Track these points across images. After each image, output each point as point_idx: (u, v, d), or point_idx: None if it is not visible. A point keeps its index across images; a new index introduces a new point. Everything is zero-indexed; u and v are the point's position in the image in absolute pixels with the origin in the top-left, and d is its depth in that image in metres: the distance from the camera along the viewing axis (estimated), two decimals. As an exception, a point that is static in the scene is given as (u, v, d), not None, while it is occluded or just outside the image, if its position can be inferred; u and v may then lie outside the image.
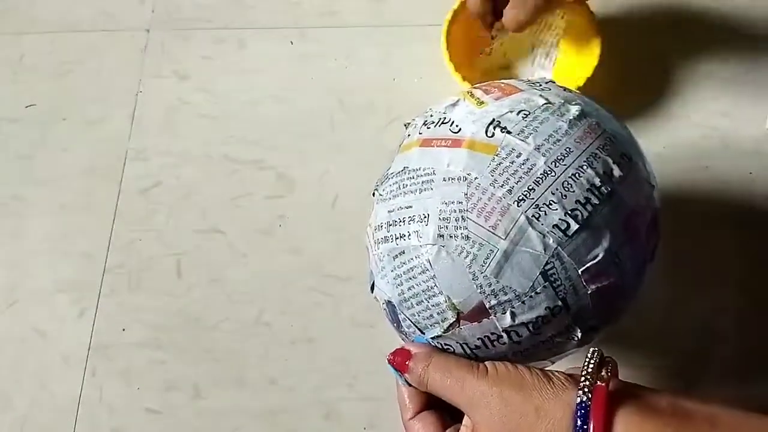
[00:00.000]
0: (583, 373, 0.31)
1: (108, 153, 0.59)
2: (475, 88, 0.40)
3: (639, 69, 0.58)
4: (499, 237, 0.34)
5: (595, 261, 0.34)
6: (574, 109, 0.37)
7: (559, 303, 0.35)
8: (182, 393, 0.51)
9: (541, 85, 0.39)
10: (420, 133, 0.39)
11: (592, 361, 0.32)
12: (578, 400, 0.30)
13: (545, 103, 0.37)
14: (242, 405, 0.50)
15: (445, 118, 0.38)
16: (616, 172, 0.35)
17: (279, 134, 0.58)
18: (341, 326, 0.52)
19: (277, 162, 0.57)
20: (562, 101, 0.38)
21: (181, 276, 0.54)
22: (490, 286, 0.34)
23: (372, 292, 0.40)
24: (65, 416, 0.50)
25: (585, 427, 0.29)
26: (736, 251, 0.52)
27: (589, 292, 0.35)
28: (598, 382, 0.31)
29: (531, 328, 0.35)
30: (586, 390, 0.30)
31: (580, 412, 0.30)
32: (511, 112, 0.37)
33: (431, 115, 0.40)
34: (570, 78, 0.53)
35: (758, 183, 0.54)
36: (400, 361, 0.36)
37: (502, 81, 0.41)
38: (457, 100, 0.39)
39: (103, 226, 0.56)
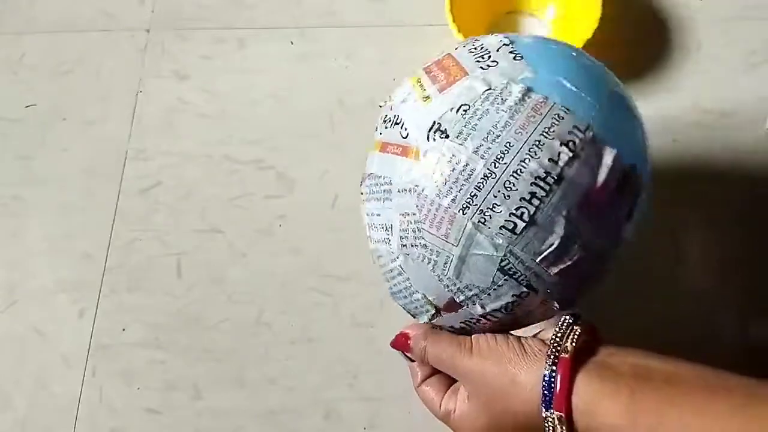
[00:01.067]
0: (551, 344, 0.35)
1: (108, 153, 0.59)
2: (425, 70, 0.39)
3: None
4: (452, 244, 0.35)
5: (551, 249, 0.34)
6: (517, 90, 0.35)
7: (525, 289, 0.36)
8: (182, 393, 0.51)
9: (488, 59, 0.37)
10: (380, 134, 0.40)
11: (560, 330, 0.36)
12: (545, 371, 0.34)
13: (486, 90, 0.36)
14: (242, 405, 0.50)
15: (396, 117, 0.38)
16: (564, 154, 0.34)
17: (279, 134, 0.58)
18: (341, 326, 0.52)
19: (277, 162, 0.57)
20: (506, 82, 0.36)
21: (181, 276, 0.54)
22: (455, 285, 0.36)
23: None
24: (65, 416, 0.50)
25: (550, 395, 0.33)
26: (736, 251, 0.52)
27: (552, 273, 0.35)
28: (563, 354, 0.34)
29: (504, 311, 0.37)
30: (550, 363, 0.34)
31: (545, 382, 0.34)
32: (452, 109, 0.36)
33: (390, 108, 0.40)
34: (568, 40, 0.54)
35: (758, 183, 0.54)
36: (401, 342, 0.41)
37: (453, 57, 0.39)
38: (408, 92, 0.39)
39: (103, 226, 0.56)
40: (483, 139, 0.34)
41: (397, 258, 0.37)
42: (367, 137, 0.57)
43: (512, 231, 0.34)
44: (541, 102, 0.35)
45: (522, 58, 0.37)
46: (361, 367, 0.50)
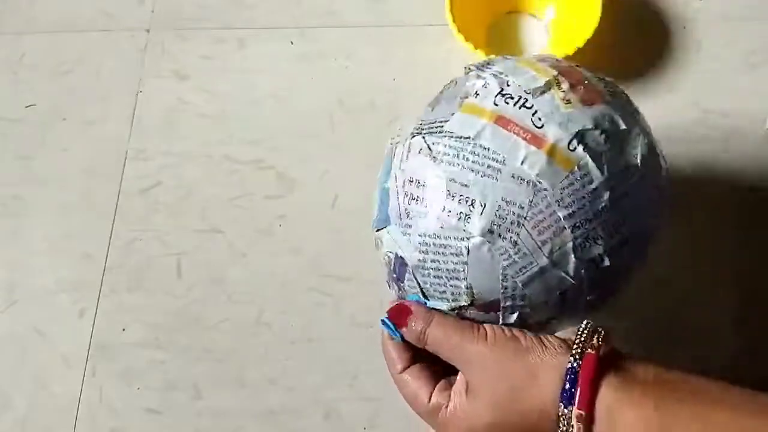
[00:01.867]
0: (576, 341, 0.33)
1: (108, 153, 0.59)
2: (560, 74, 0.37)
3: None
4: (543, 254, 0.34)
5: (608, 290, 0.37)
6: (643, 145, 0.37)
7: (558, 314, 0.37)
8: (182, 393, 0.51)
9: (615, 96, 0.38)
10: (495, 105, 0.36)
11: (585, 330, 0.33)
12: (569, 365, 0.32)
13: (624, 129, 0.36)
14: (242, 405, 0.50)
15: (527, 101, 0.36)
16: (659, 220, 0.37)
17: (279, 134, 0.58)
18: (341, 326, 0.52)
19: (277, 162, 0.57)
20: (639, 131, 0.37)
21: (181, 276, 0.54)
22: (514, 290, 0.35)
23: (377, 230, 0.39)
24: (65, 416, 0.50)
25: (572, 390, 0.31)
26: (735, 252, 0.52)
27: (590, 307, 0.37)
28: (589, 350, 0.32)
29: (526, 322, 0.37)
30: (576, 356, 0.32)
31: (570, 376, 0.31)
32: (596, 129, 0.35)
33: (508, 84, 0.37)
34: (568, 40, 0.54)
35: (758, 183, 0.54)
36: (398, 316, 0.37)
37: (584, 74, 0.38)
38: (545, 86, 0.36)
39: (103, 226, 0.56)
40: (616, 173, 0.35)
41: (469, 239, 0.34)
42: (367, 137, 0.58)
43: (597, 265, 0.35)
44: (657, 170, 0.38)
45: (636, 115, 0.39)
46: (361, 367, 0.50)
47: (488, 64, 0.39)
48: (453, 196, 0.35)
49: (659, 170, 0.38)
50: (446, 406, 0.35)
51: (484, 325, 0.36)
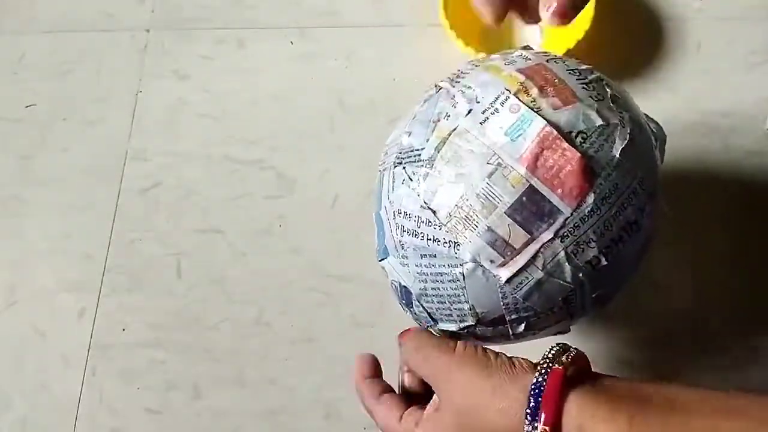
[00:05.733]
0: (543, 358, 0.32)
1: (108, 153, 0.59)
2: (528, 78, 0.36)
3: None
4: (537, 267, 0.34)
5: (611, 288, 0.37)
6: (623, 134, 0.35)
7: (568, 316, 0.37)
8: (182, 393, 0.51)
9: (590, 88, 0.36)
10: (466, 129, 0.35)
11: (553, 350, 0.33)
12: (534, 380, 0.31)
13: (601, 125, 0.35)
14: (242, 405, 0.50)
15: (495, 117, 0.35)
16: (648, 206, 0.36)
17: (279, 134, 0.58)
18: (341, 326, 0.52)
19: (277, 162, 0.57)
20: (618, 120, 0.35)
21: (181, 276, 0.54)
22: (515, 305, 0.35)
23: (381, 260, 0.39)
24: (65, 416, 0.50)
25: (537, 407, 0.30)
26: (735, 252, 0.52)
27: (595, 308, 0.37)
28: (556, 366, 0.32)
29: (533, 331, 0.37)
30: (542, 372, 0.31)
31: (534, 392, 0.30)
32: (570, 132, 0.34)
33: (477, 101, 0.35)
34: (561, 39, 0.54)
35: (758, 183, 0.54)
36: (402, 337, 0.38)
37: (554, 71, 0.37)
38: (513, 96, 0.35)
39: (103, 226, 0.56)
40: (597, 172, 0.34)
41: (462, 265, 0.35)
42: (367, 137, 0.57)
43: (594, 266, 0.35)
44: (640, 152, 0.36)
45: (616, 100, 0.37)
46: (361, 367, 0.50)
47: (458, 77, 0.38)
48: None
49: (647, 149, 0.37)
50: (417, 424, 0.35)
51: (459, 341, 0.36)
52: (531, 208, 0.33)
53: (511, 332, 0.37)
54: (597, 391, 0.31)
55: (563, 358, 0.32)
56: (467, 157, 0.34)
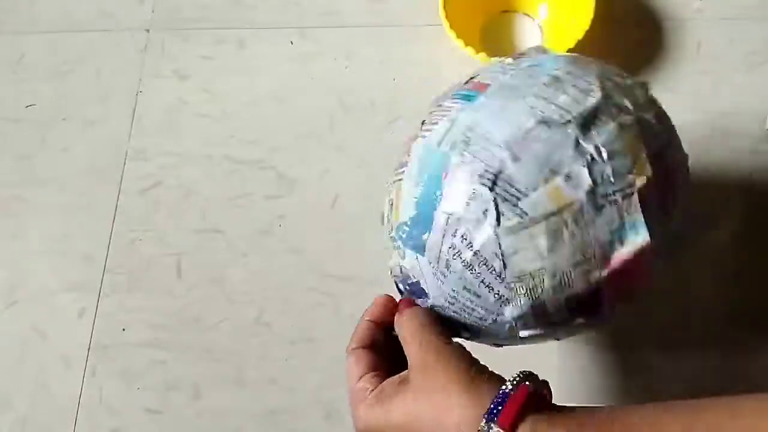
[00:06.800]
0: (516, 374, 0.33)
1: (108, 153, 0.59)
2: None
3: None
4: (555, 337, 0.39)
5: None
6: (586, 162, 0.33)
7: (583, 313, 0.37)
8: (182, 393, 0.51)
9: (559, 102, 0.34)
10: (463, 156, 0.35)
11: (525, 372, 0.33)
12: (503, 388, 0.32)
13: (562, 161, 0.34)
14: (242, 405, 0.50)
15: (467, 146, 0.35)
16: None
17: (279, 134, 0.58)
18: (341, 326, 0.51)
19: (277, 162, 0.57)
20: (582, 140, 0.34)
21: (181, 276, 0.54)
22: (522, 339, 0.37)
23: (400, 245, 0.37)
24: (65, 416, 0.50)
25: (498, 409, 0.31)
26: (735, 252, 0.52)
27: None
28: (527, 382, 0.32)
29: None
30: (514, 383, 0.32)
31: (498, 399, 0.31)
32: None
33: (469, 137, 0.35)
34: (561, 39, 0.55)
35: (758, 183, 0.54)
36: (402, 305, 0.38)
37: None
38: None
39: (103, 226, 0.56)
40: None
41: (498, 317, 0.35)
42: (367, 137, 0.58)
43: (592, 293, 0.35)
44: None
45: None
46: (361, 367, 0.50)
47: (443, 101, 0.37)
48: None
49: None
50: (370, 390, 0.35)
51: (456, 340, 0.36)
52: (585, 306, 0.34)
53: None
54: (556, 414, 0.32)
55: (528, 383, 0.33)
56: (567, 240, 0.33)
